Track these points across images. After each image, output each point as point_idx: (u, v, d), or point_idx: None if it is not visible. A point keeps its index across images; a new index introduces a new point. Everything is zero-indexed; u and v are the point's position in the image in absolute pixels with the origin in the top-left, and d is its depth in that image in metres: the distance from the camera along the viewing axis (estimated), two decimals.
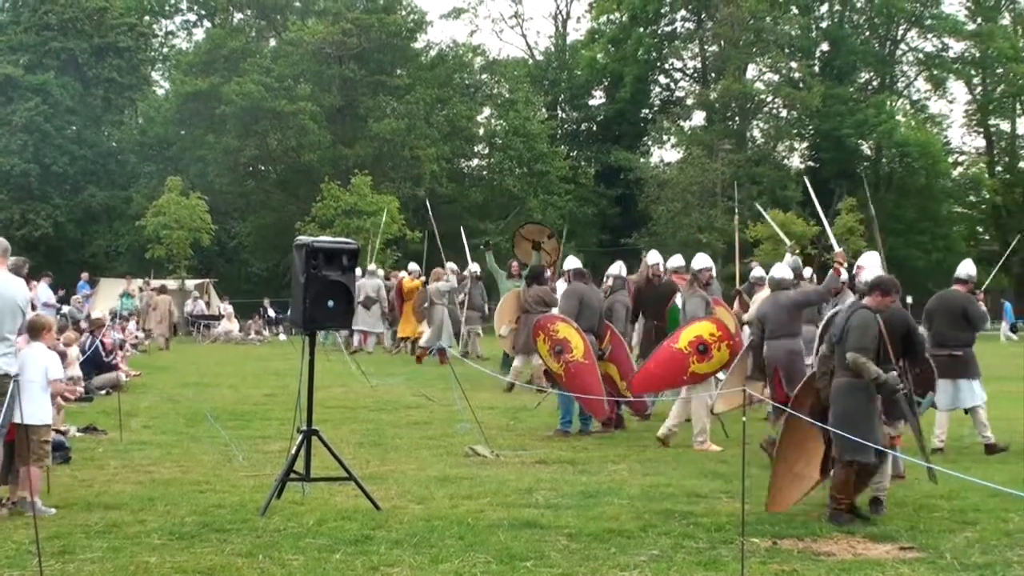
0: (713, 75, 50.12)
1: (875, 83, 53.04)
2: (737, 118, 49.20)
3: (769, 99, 49.58)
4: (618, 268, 14.30)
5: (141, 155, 45.51)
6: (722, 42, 48.15)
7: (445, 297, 21.40)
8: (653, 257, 14.43)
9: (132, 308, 27.76)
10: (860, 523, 7.64)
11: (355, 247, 8.45)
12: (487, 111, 48.50)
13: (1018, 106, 52.83)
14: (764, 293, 12.10)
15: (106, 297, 30.05)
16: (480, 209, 44.35)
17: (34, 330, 8.16)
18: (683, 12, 51.17)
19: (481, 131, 48.08)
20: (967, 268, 11.85)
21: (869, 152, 50.85)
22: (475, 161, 50.17)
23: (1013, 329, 37.61)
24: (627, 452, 10.96)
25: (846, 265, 11.30)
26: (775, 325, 10.59)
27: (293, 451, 8.15)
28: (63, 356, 11.32)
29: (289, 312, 14.44)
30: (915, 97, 54.21)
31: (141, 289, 29.39)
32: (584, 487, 8.88)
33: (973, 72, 52.76)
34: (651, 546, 6.97)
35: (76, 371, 14.08)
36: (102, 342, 16.24)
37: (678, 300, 12.77)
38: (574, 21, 76.83)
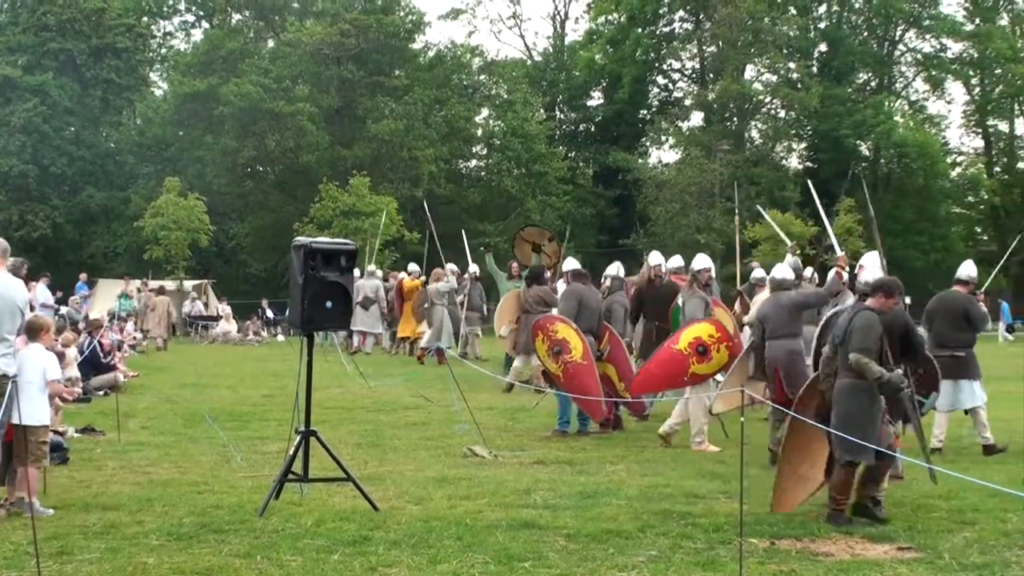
0: (711, 76, 50.11)
1: (873, 84, 53.02)
2: (735, 119, 49.19)
3: (767, 100, 49.56)
4: (616, 269, 14.29)
5: (139, 156, 45.50)
6: (720, 43, 48.14)
7: (445, 298, 21.41)
8: (655, 258, 14.41)
9: (130, 309, 27.76)
10: (871, 523, 7.66)
11: (353, 248, 8.47)
12: (485, 112, 48.51)
13: (1016, 107, 52.82)
14: (765, 294, 12.10)
15: (104, 298, 30.07)
16: (478, 210, 44.33)
17: (32, 331, 8.15)
18: (681, 13, 51.12)
19: (479, 132, 48.08)
20: (968, 269, 11.88)
21: (867, 153, 50.81)
22: (473, 162, 50.16)
23: (1010, 330, 37.60)
24: (625, 453, 10.96)
25: (847, 268, 11.33)
26: (776, 325, 10.59)
27: (291, 452, 8.15)
28: (61, 357, 11.32)
29: (287, 313, 14.45)
30: (913, 98, 54.21)
31: (139, 290, 29.38)
32: (582, 488, 8.88)
33: (971, 73, 52.74)
34: (649, 547, 6.97)
35: (74, 372, 14.08)
36: (100, 343, 16.24)
37: (680, 301, 12.77)
38: (572, 22, 76.84)
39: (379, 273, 26.60)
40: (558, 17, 57.01)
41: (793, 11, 49.91)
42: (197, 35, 51.74)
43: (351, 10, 43.50)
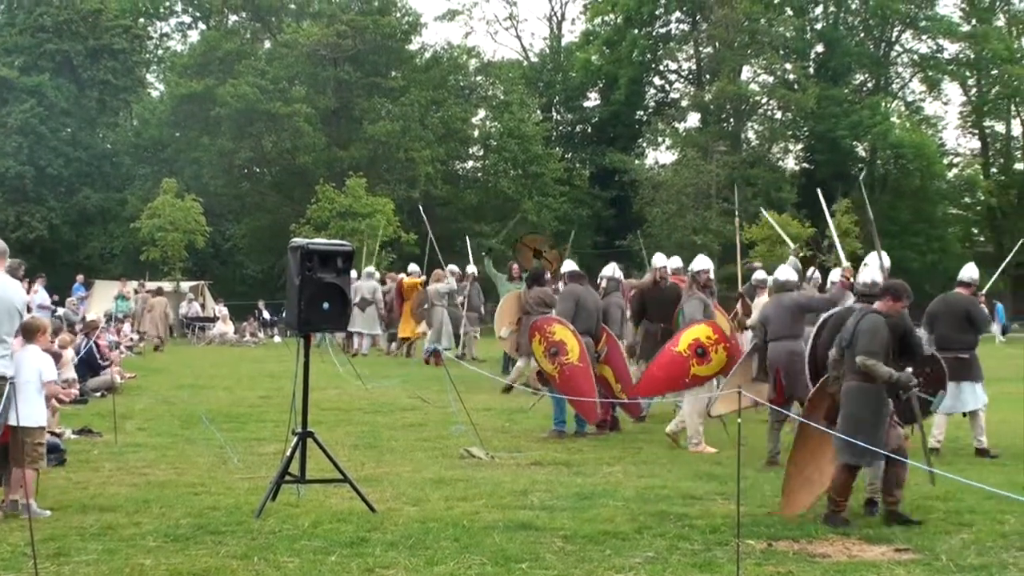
0: (708, 77, 50.15)
1: (870, 84, 53.06)
2: (732, 120, 49.24)
3: (764, 101, 49.62)
4: (612, 270, 14.28)
5: (136, 157, 45.47)
6: (717, 44, 48.20)
7: (444, 299, 21.40)
8: (659, 259, 14.36)
9: (127, 310, 27.74)
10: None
11: (350, 249, 8.46)
12: (482, 113, 48.49)
13: (1013, 107, 52.84)
14: (765, 297, 12.11)
15: (101, 299, 30.03)
16: (475, 211, 44.33)
17: (29, 332, 8.14)
18: (678, 14, 51.19)
19: (476, 133, 48.07)
20: (970, 271, 11.87)
21: (864, 154, 50.82)
22: (470, 163, 50.15)
23: (1003, 331, 37.60)
24: (622, 454, 10.96)
25: (851, 279, 11.33)
26: (777, 326, 10.60)
27: (288, 453, 8.15)
28: (58, 358, 11.30)
29: (284, 314, 14.44)
30: (910, 98, 54.27)
31: (136, 291, 29.33)
32: (579, 489, 8.88)
33: (968, 73, 52.76)
34: (646, 548, 6.97)
35: (71, 373, 14.05)
36: (97, 344, 16.22)
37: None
38: (569, 23, 77.17)
39: (377, 274, 26.58)
40: (554, 18, 57.19)
41: (789, 12, 49.95)
42: (194, 36, 51.86)
43: (347, 11, 43.51)
